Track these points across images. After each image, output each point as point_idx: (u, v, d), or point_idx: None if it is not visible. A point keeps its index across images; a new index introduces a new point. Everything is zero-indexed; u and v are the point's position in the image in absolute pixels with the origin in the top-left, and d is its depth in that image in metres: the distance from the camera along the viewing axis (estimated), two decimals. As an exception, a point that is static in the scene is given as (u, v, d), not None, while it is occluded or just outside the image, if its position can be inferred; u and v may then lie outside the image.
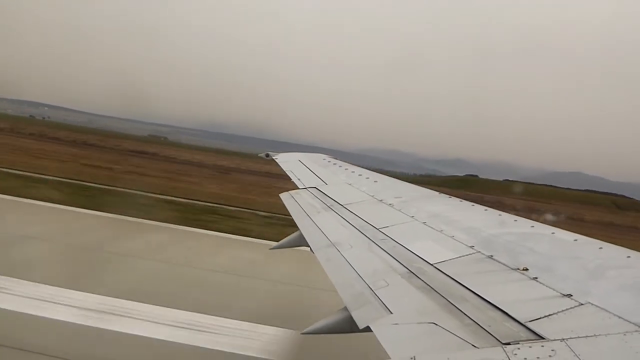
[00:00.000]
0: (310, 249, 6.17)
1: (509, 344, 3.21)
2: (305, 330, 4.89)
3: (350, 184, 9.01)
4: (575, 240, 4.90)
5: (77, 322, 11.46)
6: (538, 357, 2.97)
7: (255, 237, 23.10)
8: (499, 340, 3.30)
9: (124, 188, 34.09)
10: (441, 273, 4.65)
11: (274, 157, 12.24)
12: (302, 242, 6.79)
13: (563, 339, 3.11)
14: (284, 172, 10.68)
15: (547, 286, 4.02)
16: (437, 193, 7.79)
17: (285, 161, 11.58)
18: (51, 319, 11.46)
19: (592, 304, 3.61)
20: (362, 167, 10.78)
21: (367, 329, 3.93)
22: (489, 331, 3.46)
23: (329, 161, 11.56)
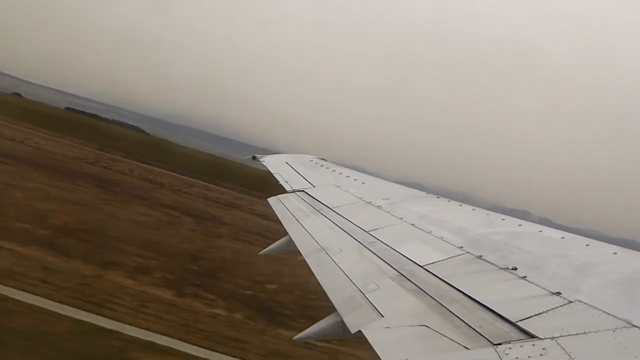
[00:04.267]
0: (300, 253, 6.15)
1: (500, 344, 3.22)
2: (297, 337, 4.86)
3: (338, 186, 8.99)
4: (562, 237, 4.93)
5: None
6: (529, 357, 2.99)
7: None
8: (490, 341, 3.31)
9: None
10: (431, 275, 4.65)
11: (260, 160, 12.15)
12: (291, 247, 6.77)
13: (554, 337, 3.13)
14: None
15: (536, 285, 4.04)
16: (424, 193, 7.80)
17: (272, 163, 11.50)
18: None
19: (581, 302, 3.63)
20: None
21: (359, 333, 3.92)
22: (480, 332, 3.47)
23: (316, 162, 11.49)
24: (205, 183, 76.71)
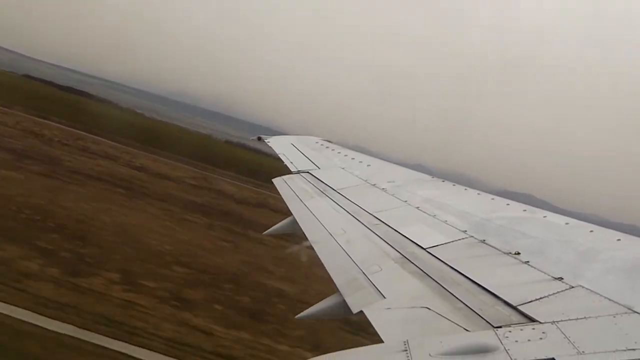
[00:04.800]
0: (304, 234, 6.18)
1: (500, 327, 3.25)
2: (299, 315, 4.92)
3: (343, 168, 8.98)
4: (567, 223, 4.93)
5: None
6: (529, 340, 3.01)
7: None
8: (490, 324, 3.34)
9: None
10: (434, 258, 4.67)
11: (266, 141, 12.12)
12: (295, 228, 6.79)
13: (554, 322, 3.15)
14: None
15: (538, 270, 4.05)
16: (429, 177, 7.78)
17: (278, 144, 11.48)
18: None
19: (582, 287, 3.64)
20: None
21: (361, 314, 3.96)
22: (481, 315, 3.50)
23: (322, 144, 11.46)
24: (100, 138, 70.93)
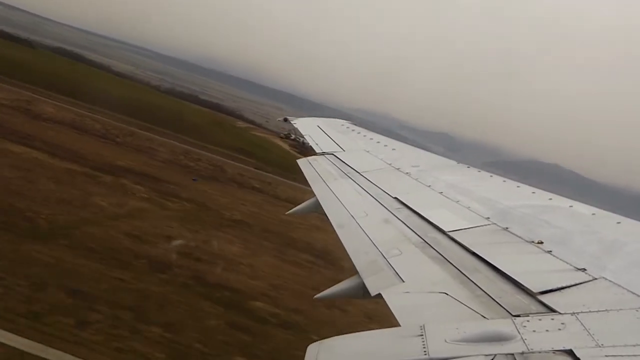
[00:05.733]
0: (326, 215, 6.21)
1: (519, 316, 3.23)
2: (318, 295, 4.98)
3: (368, 151, 8.96)
4: (593, 214, 4.84)
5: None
6: (547, 330, 2.99)
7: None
8: (509, 312, 3.32)
9: None
10: (455, 243, 4.65)
11: (292, 122, 12.17)
12: (317, 208, 6.83)
13: (574, 313, 3.11)
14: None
15: (561, 259, 4.00)
16: (454, 162, 7.72)
17: (304, 126, 11.53)
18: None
19: (605, 279, 3.59)
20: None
21: (379, 296, 3.98)
22: (500, 303, 3.48)
23: (348, 127, 11.47)
24: (24, 91, 66.35)
